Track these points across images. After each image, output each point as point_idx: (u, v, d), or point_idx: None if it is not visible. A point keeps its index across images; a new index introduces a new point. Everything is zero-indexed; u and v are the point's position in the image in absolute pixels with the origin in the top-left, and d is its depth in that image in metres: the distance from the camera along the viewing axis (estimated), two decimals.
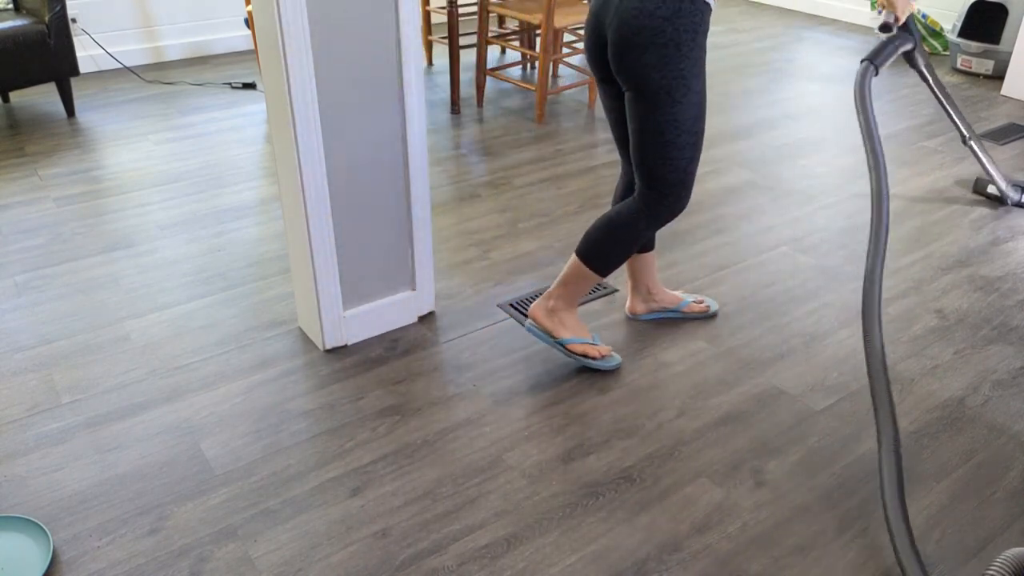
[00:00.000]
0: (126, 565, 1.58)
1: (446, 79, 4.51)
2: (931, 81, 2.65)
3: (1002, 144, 3.65)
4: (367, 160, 2.07)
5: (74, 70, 3.74)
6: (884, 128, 3.85)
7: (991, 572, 1.45)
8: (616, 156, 3.51)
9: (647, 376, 2.13)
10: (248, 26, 4.15)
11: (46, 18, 3.59)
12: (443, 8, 4.20)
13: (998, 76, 4.51)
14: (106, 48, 4.52)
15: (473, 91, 4.29)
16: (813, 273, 2.61)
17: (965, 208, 3.06)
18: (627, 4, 1.73)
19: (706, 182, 3.26)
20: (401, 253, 2.26)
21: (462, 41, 4.98)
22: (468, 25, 5.10)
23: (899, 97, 4.26)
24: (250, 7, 3.88)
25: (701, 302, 2.38)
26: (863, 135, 2.06)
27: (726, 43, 5.24)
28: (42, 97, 4.09)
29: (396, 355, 2.21)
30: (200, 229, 2.85)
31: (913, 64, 2.58)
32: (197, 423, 1.95)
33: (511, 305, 2.42)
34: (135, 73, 4.50)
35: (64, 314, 2.36)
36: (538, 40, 4.20)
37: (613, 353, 2.16)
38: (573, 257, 2.04)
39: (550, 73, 4.49)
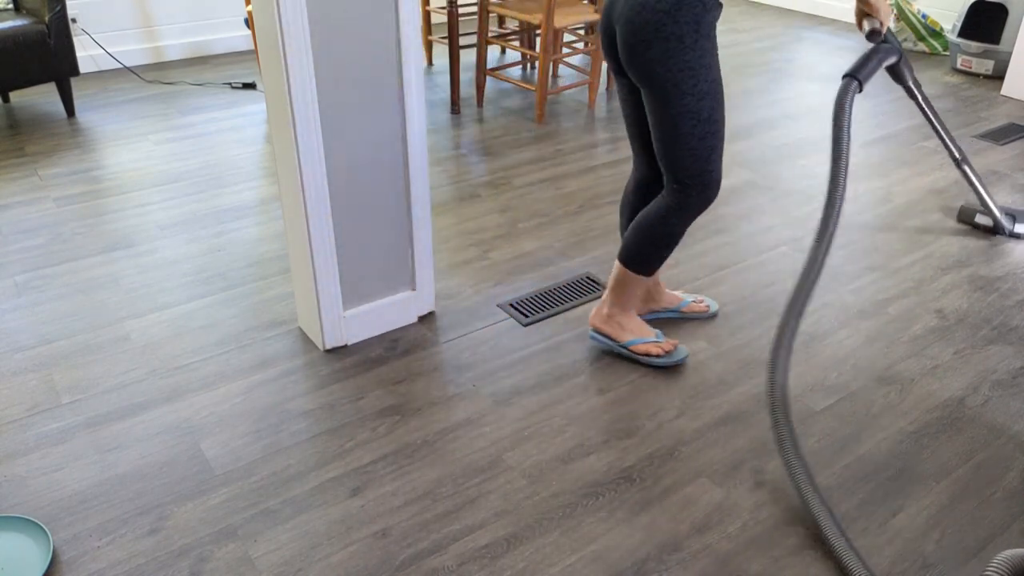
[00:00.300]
0: (126, 565, 1.58)
1: (446, 79, 4.51)
2: (919, 98, 2.42)
3: (1002, 144, 3.65)
4: (367, 160, 2.07)
5: (74, 70, 3.74)
6: (884, 128, 3.85)
7: (988, 573, 1.45)
8: (615, 156, 3.51)
9: (647, 376, 2.13)
10: (248, 26, 4.15)
11: (46, 18, 3.59)
12: (443, 8, 4.20)
13: (998, 76, 4.51)
14: (106, 48, 4.52)
15: (473, 91, 4.29)
16: None
17: None
18: (627, 3, 1.76)
19: None
20: (401, 253, 2.26)
21: (462, 41, 4.98)
22: (468, 25, 5.10)
23: (899, 97, 4.26)
24: (250, 7, 3.88)
25: (701, 302, 2.38)
26: (833, 155, 1.86)
27: (726, 43, 5.24)
28: (42, 97, 4.09)
29: (396, 355, 2.21)
30: (200, 229, 2.85)
31: (899, 79, 2.32)
32: (197, 423, 1.95)
33: (511, 305, 2.43)
34: (135, 73, 4.50)
35: (64, 314, 2.36)
36: (538, 40, 4.20)
37: (679, 346, 2.18)
38: (617, 263, 2.09)
39: (550, 73, 4.49)
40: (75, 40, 4.27)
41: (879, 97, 4.26)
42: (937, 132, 2.54)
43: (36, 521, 1.65)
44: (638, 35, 1.76)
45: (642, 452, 1.88)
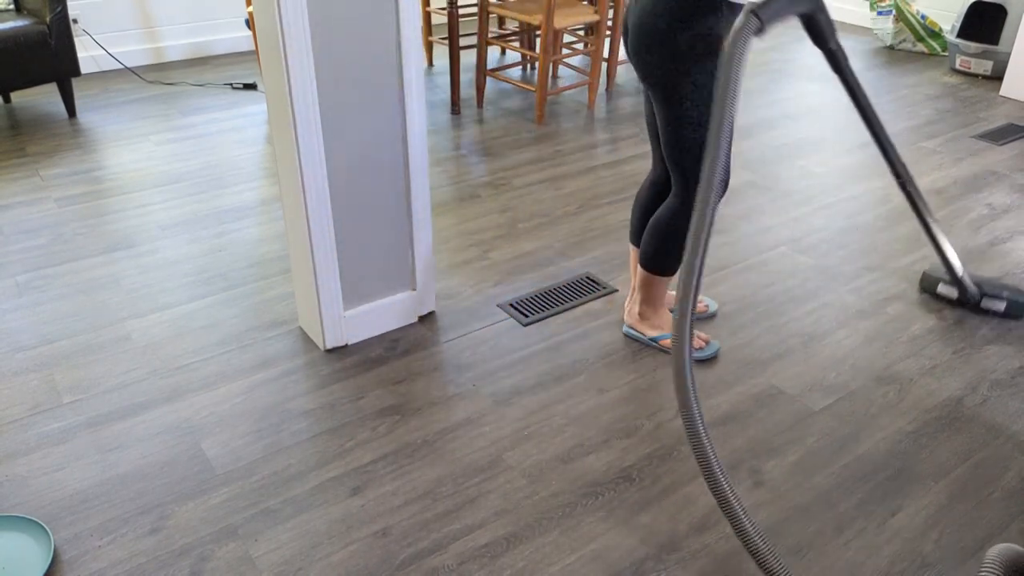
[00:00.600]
0: (127, 564, 1.59)
1: (446, 80, 4.51)
2: (845, 72, 1.97)
3: (1001, 144, 3.66)
4: (368, 160, 2.07)
5: (75, 70, 3.75)
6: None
7: (983, 573, 1.45)
8: (615, 157, 3.51)
9: (646, 376, 2.14)
10: (249, 27, 4.16)
11: (47, 19, 3.59)
12: (443, 9, 4.21)
13: (997, 76, 4.51)
14: (107, 49, 4.53)
15: (473, 92, 4.30)
16: (812, 273, 2.62)
17: (964, 209, 3.06)
18: (639, 6, 1.82)
19: None
20: (401, 253, 2.26)
21: (462, 42, 4.99)
22: (468, 26, 5.10)
23: (899, 97, 4.27)
24: (251, 8, 3.89)
25: (700, 302, 2.38)
26: (718, 98, 1.61)
27: None
28: (43, 97, 4.10)
29: (396, 355, 2.21)
30: (201, 229, 2.85)
31: (817, 39, 1.87)
32: (198, 423, 1.96)
33: (511, 305, 2.43)
34: (136, 74, 4.51)
35: (65, 314, 2.37)
36: (538, 41, 4.21)
37: (711, 341, 2.21)
38: (639, 267, 2.17)
39: (550, 74, 4.50)
40: (76, 41, 4.28)
41: (879, 97, 4.27)
42: (867, 122, 2.06)
43: (37, 521, 1.66)
44: (642, 40, 1.81)
45: (641, 452, 1.89)
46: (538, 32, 4.40)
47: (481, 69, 3.99)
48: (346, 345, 2.24)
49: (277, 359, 2.19)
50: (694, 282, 1.57)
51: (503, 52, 4.99)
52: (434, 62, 4.80)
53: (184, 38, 4.76)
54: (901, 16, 5.00)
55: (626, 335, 2.29)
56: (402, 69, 2.02)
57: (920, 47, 5.07)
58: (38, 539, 1.63)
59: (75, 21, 4.37)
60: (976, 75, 4.62)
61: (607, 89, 4.40)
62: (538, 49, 4.03)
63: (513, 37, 4.70)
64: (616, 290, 2.51)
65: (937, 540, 1.66)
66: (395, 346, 2.25)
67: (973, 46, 4.54)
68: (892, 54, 5.06)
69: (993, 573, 1.44)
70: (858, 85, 2.03)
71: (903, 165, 2.13)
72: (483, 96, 4.08)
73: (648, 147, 3.62)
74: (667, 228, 2.05)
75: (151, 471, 1.81)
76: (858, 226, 2.93)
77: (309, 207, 2.01)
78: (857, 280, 2.59)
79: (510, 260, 2.69)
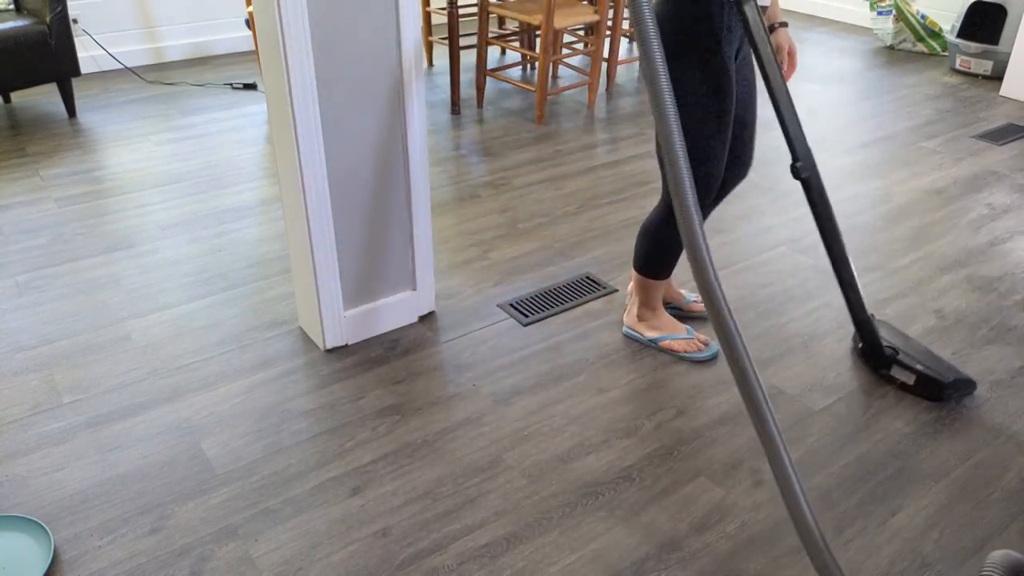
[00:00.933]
0: (127, 564, 1.59)
1: (446, 80, 4.51)
2: (754, 38, 1.73)
3: (1000, 144, 3.66)
4: (367, 160, 2.07)
5: (75, 70, 3.75)
6: (883, 128, 3.85)
7: (985, 574, 1.45)
8: (615, 157, 3.51)
9: (646, 376, 2.14)
10: (249, 27, 4.16)
11: (47, 19, 3.59)
12: (443, 9, 4.21)
13: (997, 76, 4.51)
14: (107, 49, 4.53)
15: (473, 92, 4.30)
16: (812, 273, 2.62)
17: (963, 209, 3.06)
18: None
19: None
20: (401, 253, 2.26)
21: (462, 42, 4.98)
22: (468, 26, 5.10)
23: (899, 97, 4.27)
24: (251, 8, 3.89)
25: (699, 301, 2.39)
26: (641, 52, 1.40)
27: None
28: (43, 97, 4.10)
29: (396, 355, 2.21)
30: (201, 229, 2.85)
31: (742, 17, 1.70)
32: (198, 423, 1.96)
33: (511, 305, 2.43)
34: (136, 74, 4.51)
35: (65, 314, 2.37)
36: (538, 41, 4.21)
37: (710, 343, 2.22)
38: (633, 271, 2.19)
39: (550, 74, 4.50)
40: (76, 41, 4.28)
41: (879, 97, 4.27)
42: (775, 103, 1.84)
43: (37, 521, 1.66)
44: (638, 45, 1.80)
45: (641, 452, 1.89)
46: (538, 32, 4.40)
47: (481, 69, 3.99)
48: (346, 345, 2.24)
49: (277, 359, 2.19)
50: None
51: (503, 52, 4.99)
52: (434, 62, 4.80)
53: (184, 38, 4.76)
54: (901, 16, 5.00)
55: (625, 336, 2.30)
56: (402, 69, 2.02)
57: (920, 47, 5.07)
58: (38, 539, 1.63)
59: (75, 21, 4.37)
60: (976, 75, 4.62)
61: (607, 89, 4.40)
62: (538, 49, 4.03)
63: (513, 37, 4.70)
64: (616, 290, 2.51)
65: (937, 540, 1.67)
66: (395, 346, 2.25)
67: (973, 46, 4.54)
68: (892, 54, 5.06)
69: (995, 574, 1.44)
70: (769, 52, 1.76)
71: (807, 151, 1.86)
72: (483, 96, 4.09)
73: (648, 147, 3.62)
74: (662, 232, 2.06)
75: (151, 471, 1.81)
76: (858, 226, 2.93)
77: (309, 207, 2.01)
78: (857, 280, 2.58)
79: (510, 260, 2.69)
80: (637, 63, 4.85)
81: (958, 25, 4.60)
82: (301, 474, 1.81)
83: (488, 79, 4.45)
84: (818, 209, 1.92)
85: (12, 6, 3.77)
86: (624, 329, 2.30)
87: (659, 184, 3.23)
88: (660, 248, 2.07)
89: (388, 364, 2.18)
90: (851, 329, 2.33)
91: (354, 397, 2.05)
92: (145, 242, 2.76)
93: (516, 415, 2.00)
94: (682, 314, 2.37)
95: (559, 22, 3.73)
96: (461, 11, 5.01)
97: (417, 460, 1.86)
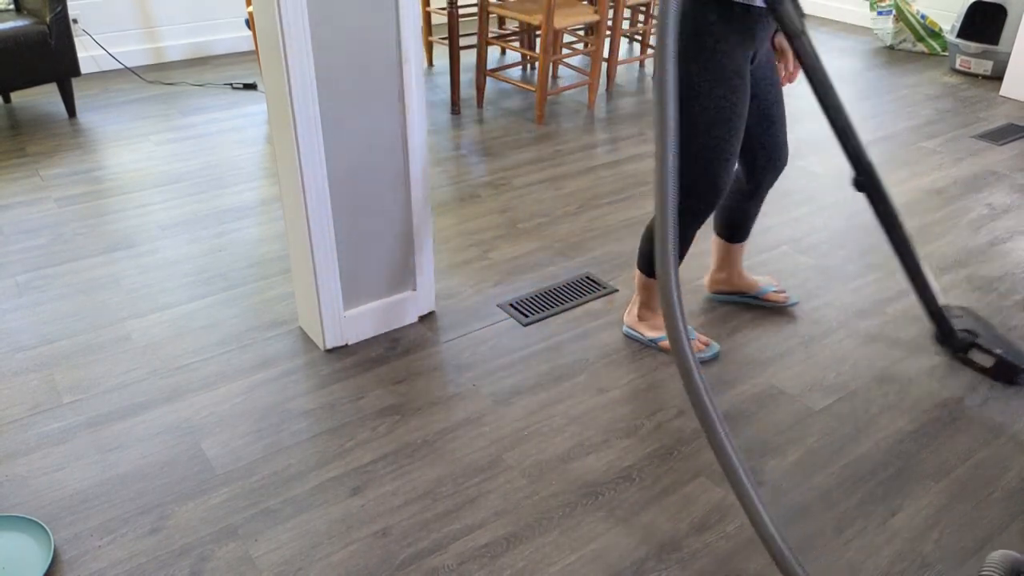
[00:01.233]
0: (127, 564, 1.59)
1: (446, 80, 4.51)
2: (804, 53, 1.72)
3: (1001, 144, 3.66)
4: (368, 160, 2.07)
5: (75, 70, 3.75)
6: (883, 128, 3.85)
7: (985, 574, 1.45)
8: (615, 157, 3.52)
9: (646, 376, 2.14)
10: (249, 27, 4.16)
11: (47, 19, 3.59)
12: (443, 9, 4.21)
13: (997, 77, 4.51)
14: (107, 49, 4.53)
15: (473, 92, 4.30)
16: (812, 273, 2.62)
17: (963, 209, 3.06)
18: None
19: None
20: (401, 253, 2.26)
21: (462, 42, 4.98)
22: (468, 26, 5.10)
23: (899, 97, 4.27)
24: (251, 8, 3.89)
25: (781, 292, 2.42)
26: (656, 64, 1.44)
27: None
28: (43, 97, 4.10)
29: (396, 355, 2.21)
30: (201, 229, 2.85)
31: (780, 17, 1.67)
32: (198, 423, 1.96)
33: (511, 305, 2.43)
34: (136, 74, 4.51)
35: (65, 314, 2.37)
36: (538, 41, 4.21)
37: (711, 343, 2.22)
38: (636, 270, 2.20)
39: (550, 74, 4.50)
40: (76, 41, 4.28)
41: (879, 97, 4.27)
42: (828, 113, 1.83)
43: (37, 521, 1.66)
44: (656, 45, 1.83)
45: (641, 452, 1.89)
46: (538, 32, 4.40)
47: (481, 69, 3.99)
48: (346, 345, 2.24)
49: (277, 359, 2.19)
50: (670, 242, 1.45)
51: (503, 52, 4.99)
52: (434, 62, 4.80)
53: (184, 38, 4.76)
54: (901, 16, 5.00)
55: (626, 335, 2.30)
56: (402, 69, 2.02)
57: (920, 47, 5.07)
58: (38, 539, 1.63)
59: (75, 21, 4.37)
60: (976, 75, 4.62)
61: (607, 89, 4.40)
62: (538, 49, 4.03)
63: (513, 37, 4.70)
64: (616, 290, 2.51)
65: (937, 540, 1.66)
66: (395, 346, 2.25)
67: (973, 46, 4.54)
68: (892, 54, 5.06)
69: (995, 574, 1.44)
70: (823, 73, 1.77)
71: (869, 164, 1.88)
72: (483, 96, 4.09)
73: (648, 148, 3.62)
74: None
75: (151, 471, 1.81)
76: (858, 226, 2.93)
77: (309, 207, 2.01)
78: (857, 280, 2.58)
79: (510, 260, 2.69)
80: (636, 63, 4.85)
81: (958, 25, 4.60)
82: (301, 474, 1.81)
83: (488, 79, 4.45)
84: (884, 220, 1.96)
85: (12, 6, 3.77)
86: (624, 329, 2.30)
87: None
88: None
89: (388, 364, 2.18)
90: (851, 329, 2.33)
91: (354, 397, 2.05)
92: (145, 242, 2.76)
93: (516, 415, 2.00)
94: (758, 303, 2.40)
95: (559, 22, 3.73)
96: (461, 11, 5.02)
97: (417, 460, 1.86)
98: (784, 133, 2.08)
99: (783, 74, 2.01)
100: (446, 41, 4.15)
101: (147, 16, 4.60)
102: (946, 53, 5.00)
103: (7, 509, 1.71)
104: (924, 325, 2.36)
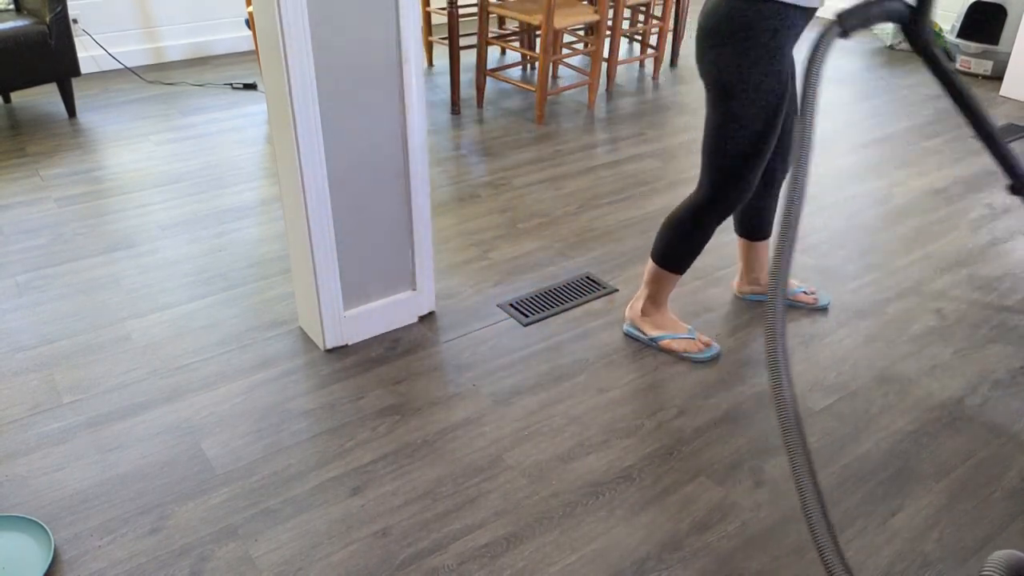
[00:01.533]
0: (127, 564, 1.59)
1: (446, 80, 4.51)
2: (943, 71, 1.69)
3: None
4: (368, 160, 2.07)
5: (75, 70, 3.75)
6: (883, 128, 3.85)
7: (985, 573, 1.45)
8: (615, 157, 3.51)
9: (647, 376, 2.14)
10: (249, 27, 4.16)
11: (47, 19, 3.59)
12: (443, 9, 4.21)
13: (997, 77, 4.51)
14: (107, 49, 4.53)
15: (473, 92, 4.30)
16: (812, 273, 2.62)
17: (964, 209, 3.06)
18: (705, 8, 1.87)
19: None
20: (401, 253, 2.26)
21: (462, 42, 4.99)
22: (468, 26, 5.10)
23: (898, 97, 4.27)
24: (251, 8, 3.89)
25: (811, 293, 2.42)
26: (801, 110, 1.50)
27: None
28: (43, 97, 4.10)
29: (396, 355, 2.21)
30: (201, 229, 2.85)
31: (916, 44, 1.66)
32: (198, 423, 1.96)
33: (511, 305, 2.43)
34: (136, 74, 4.51)
35: (65, 314, 2.36)
36: (538, 41, 4.21)
37: (712, 344, 2.22)
38: (649, 260, 2.18)
39: (550, 74, 4.50)
40: (76, 41, 4.28)
41: (879, 98, 4.27)
42: (970, 118, 1.77)
43: (37, 521, 1.66)
44: (702, 37, 1.87)
45: (642, 451, 1.89)
46: (538, 32, 4.40)
47: (481, 69, 3.99)
48: (346, 345, 2.24)
49: (277, 359, 2.19)
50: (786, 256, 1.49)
51: (503, 52, 4.99)
52: (434, 62, 4.80)
53: (184, 38, 4.76)
54: None
55: (626, 333, 2.29)
56: (402, 69, 2.02)
57: None
58: (38, 539, 1.63)
59: (75, 21, 4.37)
60: (976, 75, 4.62)
61: (607, 89, 4.40)
62: (538, 49, 4.03)
63: (513, 37, 4.70)
64: (616, 290, 2.51)
65: (938, 540, 1.66)
66: (395, 346, 2.25)
67: (973, 46, 4.54)
68: (892, 54, 5.06)
69: (996, 574, 1.43)
70: (964, 90, 1.73)
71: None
72: (483, 96, 4.08)
73: (648, 148, 3.62)
74: (687, 225, 2.05)
75: (151, 471, 1.81)
76: (858, 226, 2.93)
77: (309, 207, 2.01)
78: (858, 280, 2.59)
79: (510, 260, 2.69)
80: (636, 63, 4.85)
81: (958, 25, 4.60)
82: (301, 474, 1.81)
83: (488, 79, 4.45)
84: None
85: (12, 6, 3.77)
86: (625, 325, 2.30)
87: (659, 184, 3.24)
88: (683, 239, 2.07)
89: (388, 364, 2.18)
90: (851, 329, 2.33)
91: (354, 397, 2.05)
92: (145, 242, 2.76)
93: (516, 415, 1.99)
94: (788, 303, 2.41)
95: (559, 22, 3.73)
96: (461, 11, 5.02)
97: (417, 460, 1.85)
98: (791, 126, 2.09)
99: None
100: (446, 41, 4.15)
101: (147, 16, 4.60)
102: None
103: (7, 509, 1.71)
104: (924, 324, 2.36)
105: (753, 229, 2.30)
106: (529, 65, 4.68)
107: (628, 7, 4.54)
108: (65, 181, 3.20)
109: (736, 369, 2.17)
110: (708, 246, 2.76)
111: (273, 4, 1.78)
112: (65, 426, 1.94)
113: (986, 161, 3.48)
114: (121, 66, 4.57)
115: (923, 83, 4.50)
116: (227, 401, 2.03)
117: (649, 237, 2.83)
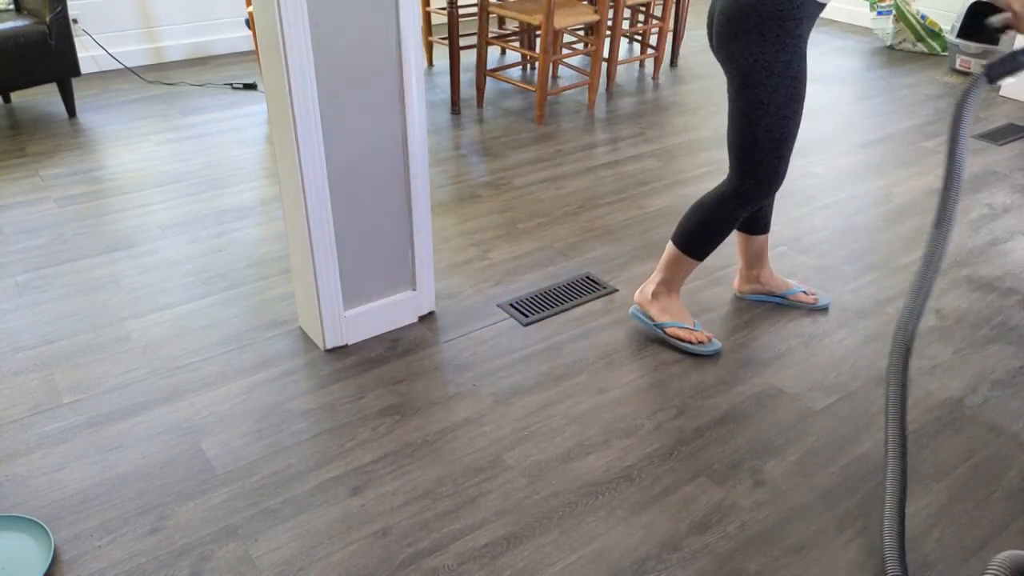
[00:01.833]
0: (127, 564, 1.59)
1: (446, 80, 4.51)
2: None
3: (1000, 144, 3.66)
4: (368, 160, 2.07)
5: (75, 70, 3.75)
6: (883, 128, 3.85)
7: (988, 574, 1.45)
8: (615, 157, 3.51)
9: (647, 375, 2.14)
10: (249, 27, 4.16)
11: (47, 19, 3.59)
12: (443, 9, 4.21)
13: None
14: (107, 49, 4.53)
15: (473, 92, 4.30)
16: (812, 273, 2.62)
17: (964, 208, 3.06)
18: None
19: (705, 182, 3.26)
20: (401, 253, 2.26)
21: (462, 42, 4.99)
22: (468, 26, 5.10)
23: (899, 97, 4.26)
24: (251, 8, 3.89)
25: (811, 294, 2.42)
26: (947, 163, 1.69)
27: None
28: (43, 97, 4.10)
29: (396, 355, 2.21)
30: (201, 229, 2.85)
31: None
32: (198, 423, 1.96)
33: (511, 305, 2.43)
34: (136, 74, 4.51)
35: (65, 314, 2.36)
36: (538, 41, 4.21)
37: (713, 340, 2.23)
38: (669, 244, 2.17)
39: (550, 74, 4.50)
40: (76, 41, 4.28)
41: (878, 98, 4.27)
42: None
43: (37, 521, 1.66)
44: (726, 26, 1.87)
45: (642, 451, 1.89)
46: (538, 32, 4.40)
47: (481, 69, 3.99)
48: (346, 345, 2.24)
49: (277, 359, 2.19)
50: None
51: (503, 52, 4.99)
52: (434, 62, 4.80)
53: (184, 38, 4.76)
54: (901, 16, 5.00)
55: (632, 316, 2.30)
56: (402, 69, 2.02)
57: (920, 47, 5.07)
58: (38, 539, 1.63)
59: (75, 21, 4.37)
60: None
61: (607, 89, 4.40)
62: (538, 49, 4.03)
63: (513, 37, 4.70)
64: (616, 290, 2.51)
65: (938, 539, 1.66)
66: (395, 346, 2.25)
67: (973, 46, 4.54)
68: (892, 54, 5.07)
69: (998, 573, 1.43)
70: None
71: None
72: (483, 96, 4.09)
73: (648, 148, 3.62)
74: (716, 213, 2.06)
75: (151, 471, 1.81)
76: (858, 226, 2.93)
77: (309, 207, 2.01)
78: (858, 280, 2.59)
79: (510, 260, 2.69)
80: (636, 63, 4.84)
81: (958, 25, 4.60)
82: (301, 474, 1.81)
83: (488, 79, 4.45)
84: None
85: (12, 6, 3.77)
86: (632, 309, 2.30)
87: (659, 184, 3.24)
88: (708, 227, 2.08)
89: (388, 364, 2.18)
90: (851, 329, 2.33)
91: (354, 397, 2.05)
92: (145, 242, 2.76)
93: (516, 415, 1.99)
94: (786, 303, 2.42)
95: (559, 22, 3.73)
96: (461, 11, 5.02)
97: (417, 460, 1.86)
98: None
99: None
100: (446, 41, 4.15)
101: (147, 16, 4.60)
102: (946, 53, 5.00)
103: (7, 509, 1.71)
104: (924, 325, 2.36)
105: (752, 222, 2.30)
106: (529, 65, 4.68)
107: (628, 7, 4.54)
108: (65, 181, 3.20)
109: (736, 369, 2.17)
110: None
111: (273, 4, 1.78)
112: (65, 426, 1.94)
113: (986, 161, 3.48)
114: (121, 66, 4.58)
115: (923, 83, 4.50)
116: (227, 401, 2.03)
117: (649, 237, 2.83)
